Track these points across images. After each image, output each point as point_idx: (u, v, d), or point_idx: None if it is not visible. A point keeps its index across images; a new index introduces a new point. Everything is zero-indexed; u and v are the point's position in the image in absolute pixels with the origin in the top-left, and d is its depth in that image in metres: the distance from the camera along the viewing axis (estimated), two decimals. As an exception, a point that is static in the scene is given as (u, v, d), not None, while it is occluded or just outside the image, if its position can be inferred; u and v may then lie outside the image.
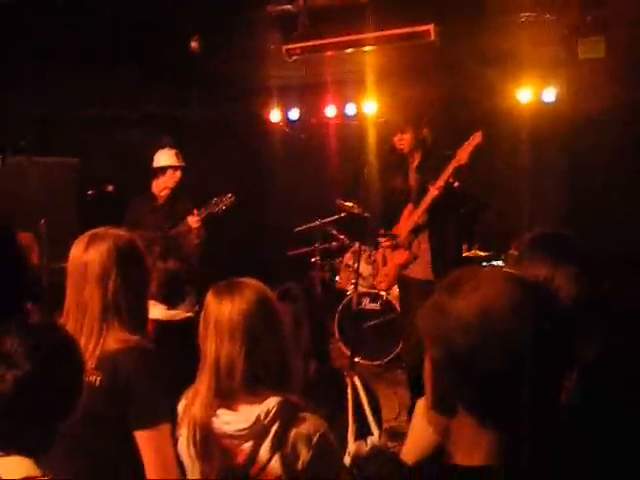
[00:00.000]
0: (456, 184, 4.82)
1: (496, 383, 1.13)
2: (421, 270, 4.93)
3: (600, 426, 1.52)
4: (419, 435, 1.48)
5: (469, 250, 6.91)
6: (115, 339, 2.18)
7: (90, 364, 2.12)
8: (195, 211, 5.54)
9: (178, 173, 5.67)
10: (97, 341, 2.17)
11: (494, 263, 6.70)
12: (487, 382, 1.13)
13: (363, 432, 3.33)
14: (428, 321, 1.22)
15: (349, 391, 3.72)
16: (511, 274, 1.23)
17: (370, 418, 3.66)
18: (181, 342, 2.75)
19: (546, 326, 1.15)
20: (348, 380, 3.84)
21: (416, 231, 4.95)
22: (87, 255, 2.23)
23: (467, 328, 1.14)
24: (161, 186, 5.71)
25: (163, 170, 5.67)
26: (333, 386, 3.35)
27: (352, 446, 2.67)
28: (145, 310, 2.37)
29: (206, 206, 5.58)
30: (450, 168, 4.70)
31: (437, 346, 1.19)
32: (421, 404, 1.46)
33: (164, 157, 5.71)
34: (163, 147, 5.85)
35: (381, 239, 5.18)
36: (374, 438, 2.67)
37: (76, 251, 2.27)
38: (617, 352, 1.60)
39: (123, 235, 2.31)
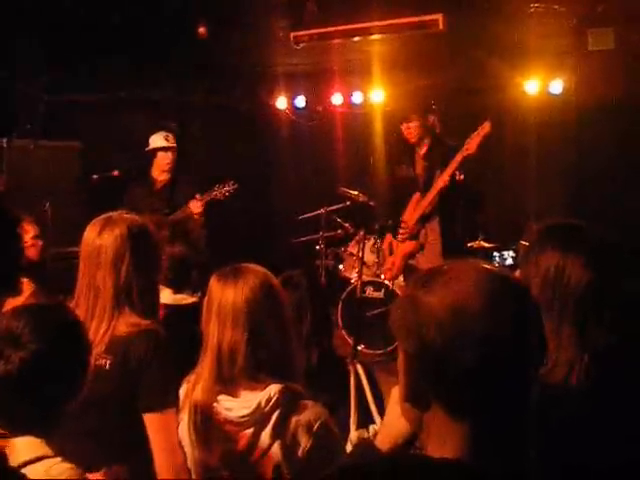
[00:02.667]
0: (461, 177, 4.80)
1: (468, 378, 1.12)
2: (430, 262, 4.91)
3: (611, 411, 1.52)
4: (393, 423, 1.48)
5: (474, 241, 6.89)
6: (126, 323, 2.19)
7: (100, 348, 2.13)
8: (197, 196, 5.53)
9: (169, 154, 5.67)
10: (108, 325, 2.18)
11: (503, 253, 6.69)
12: (459, 377, 1.13)
13: (365, 420, 3.33)
14: (401, 314, 1.21)
15: (352, 379, 3.73)
16: (485, 268, 1.21)
17: (372, 406, 3.66)
18: (187, 327, 2.76)
19: (518, 322, 1.14)
20: (351, 368, 3.84)
21: (423, 220, 4.94)
22: (101, 239, 2.23)
23: (439, 323, 1.13)
24: (157, 169, 5.72)
25: (155, 153, 5.68)
26: (335, 374, 3.35)
27: (354, 434, 2.68)
28: (157, 295, 2.38)
29: (209, 192, 5.58)
30: (458, 158, 4.67)
31: (410, 340, 1.18)
32: (395, 392, 1.46)
33: (154, 140, 5.73)
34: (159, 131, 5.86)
35: (397, 230, 5.15)
36: (376, 426, 2.67)
37: (90, 235, 2.27)
38: (628, 338, 1.61)
39: (137, 220, 2.31)
